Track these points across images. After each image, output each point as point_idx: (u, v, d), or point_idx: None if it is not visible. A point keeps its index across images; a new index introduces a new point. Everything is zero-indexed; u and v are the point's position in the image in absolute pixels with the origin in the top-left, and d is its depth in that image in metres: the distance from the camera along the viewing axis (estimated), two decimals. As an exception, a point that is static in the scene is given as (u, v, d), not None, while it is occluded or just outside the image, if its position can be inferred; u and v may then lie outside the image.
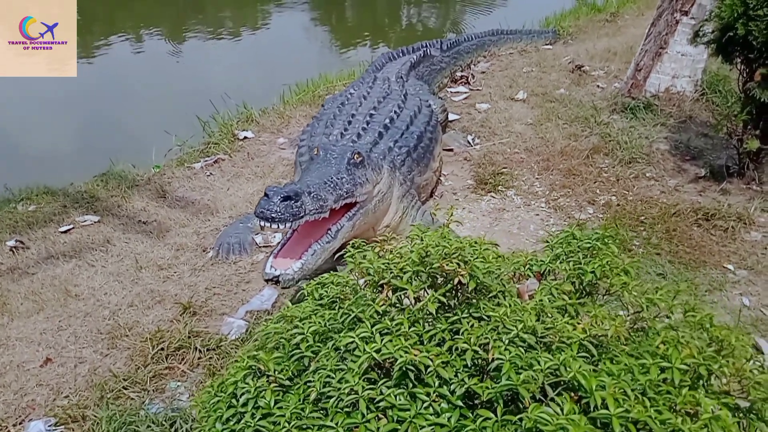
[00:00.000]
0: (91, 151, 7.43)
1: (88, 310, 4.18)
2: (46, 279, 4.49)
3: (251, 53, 11.97)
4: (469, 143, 6.42)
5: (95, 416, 3.29)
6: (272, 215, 3.40)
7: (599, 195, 5.37)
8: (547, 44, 10.02)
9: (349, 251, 2.41)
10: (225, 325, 3.99)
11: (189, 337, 3.79)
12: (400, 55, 7.52)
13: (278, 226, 3.45)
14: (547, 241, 2.55)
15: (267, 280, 3.59)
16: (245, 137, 6.95)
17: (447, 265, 2.05)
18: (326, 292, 2.29)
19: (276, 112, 7.56)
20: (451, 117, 7.02)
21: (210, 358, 3.69)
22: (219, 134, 7.01)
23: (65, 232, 5.14)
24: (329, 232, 3.95)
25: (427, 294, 2.05)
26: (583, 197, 5.34)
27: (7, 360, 3.79)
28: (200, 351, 3.72)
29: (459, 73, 8.36)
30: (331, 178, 4.02)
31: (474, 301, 2.08)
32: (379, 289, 2.15)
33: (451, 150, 6.33)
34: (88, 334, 3.97)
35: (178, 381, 3.60)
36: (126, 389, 3.52)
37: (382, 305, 2.06)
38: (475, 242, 2.24)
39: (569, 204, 5.28)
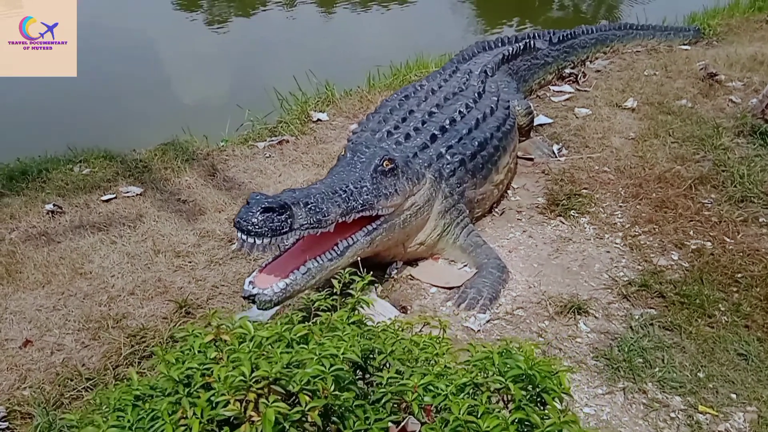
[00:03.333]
0: (175, 115, 7.33)
1: (90, 292, 3.97)
2: (65, 251, 4.34)
3: (392, 25, 11.80)
4: (554, 154, 5.62)
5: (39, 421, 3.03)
6: (248, 227, 2.94)
7: (691, 238, 4.44)
8: (684, 44, 8.84)
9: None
10: (212, 334, 3.61)
11: (167, 342, 3.45)
12: (499, 45, 6.75)
13: (254, 242, 2.98)
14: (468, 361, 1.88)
15: (244, 298, 3.16)
16: (318, 119, 6.55)
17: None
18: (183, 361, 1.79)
19: (358, 95, 7.10)
20: (542, 120, 6.23)
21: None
22: (294, 113, 6.66)
23: (106, 201, 5.00)
24: (336, 247, 3.45)
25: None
26: (671, 238, 4.44)
27: (-8, 334, 3.65)
28: (172, 362, 3.36)
29: (568, 70, 7.46)
30: (347, 186, 3.50)
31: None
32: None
33: (530, 159, 5.57)
34: (78, 320, 3.74)
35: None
36: (87, 391, 3.25)
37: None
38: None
39: (651, 244, 4.40)
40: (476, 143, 4.52)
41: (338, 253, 3.44)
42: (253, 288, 3.11)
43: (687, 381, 3.30)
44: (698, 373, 3.35)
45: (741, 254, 4.25)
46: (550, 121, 6.25)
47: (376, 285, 4.00)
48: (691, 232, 4.50)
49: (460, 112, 4.73)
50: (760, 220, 4.60)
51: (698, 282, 3.98)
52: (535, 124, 6.13)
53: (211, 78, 9.02)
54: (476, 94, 5.07)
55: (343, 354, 1.73)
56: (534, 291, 3.98)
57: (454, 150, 4.37)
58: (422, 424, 1.70)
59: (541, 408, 1.73)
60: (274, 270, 3.23)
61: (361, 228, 3.63)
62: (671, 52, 8.30)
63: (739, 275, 4.05)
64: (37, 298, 3.94)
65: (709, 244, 4.37)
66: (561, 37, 7.43)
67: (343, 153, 3.91)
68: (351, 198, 3.45)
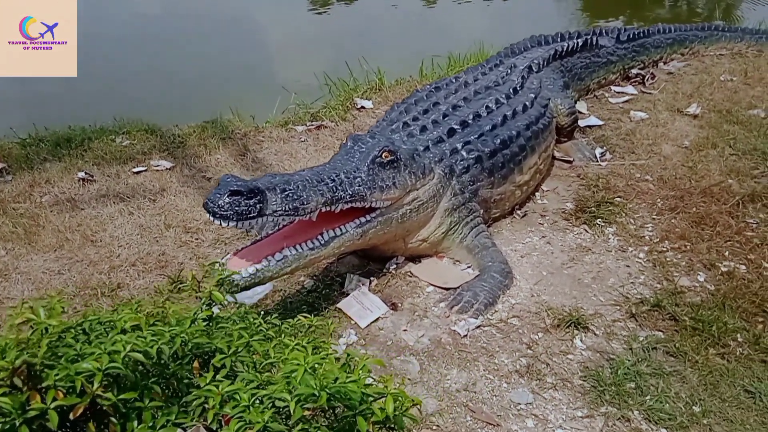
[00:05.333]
0: (239, 94, 7.42)
1: (95, 259, 4.09)
2: (84, 218, 4.50)
3: (491, 15, 11.64)
4: (595, 158, 5.29)
5: None
6: (214, 209, 2.91)
7: (725, 259, 4.07)
8: (778, 49, 8.09)
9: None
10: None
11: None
12: (557, 40, 6.43)
13: (220, 224, 2.96)
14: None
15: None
16: (362, 107, 6.49)
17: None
18: None
19: (409, 84, 6.97)
20: (591, 122, 5.90)
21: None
22: (340, 98, 6.63)
23: (137, 173, 5.15)
24: (320, 237, 3.38)
25: None
26: (702, 257, 4.08)
27: (-6, 291, 3.83)
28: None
29: (635, 71, 7.02)
30: (337, 175, 3.41)
31: None
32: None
33: (569, 161, 5.28)
34: (77, 285, 3.86)
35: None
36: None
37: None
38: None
39: (678, 262, 4.06)
40: (498, 141, 4.31)
41: (321, 242, 3.36)
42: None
43: (679, 414, 3.01)
44: (694, 407, 3.06)
45: (778, 282, 3.85)
46: (601, 123, 5.90)
47: (372, 279, 3.91)
48: (726, 253, 4.12)
49: (487, 107, 4.53)
50: (809, 246, 4.16)
51: (719, 307, 3.63)
52: (583, 125, 5.83)
53: (289, 60, 9.07)
54: (511, 90, 4.85)
55: (130, 351, 1.64)
56: (535, 300, 3.76)
57: (471, 146, 4.19)
58: None
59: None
60: (249, 254, 3.19)
61: (354, 219, 3.54)
62: (758, 57, 7.64)
63: (769, 305, 3.67)
64: (47, 261, 4.10)
65: (743, 267, 3.99)
66: (631, 36, 6.98)
67: (345, 141, 3.82)
68: (339, 188, 3.36)
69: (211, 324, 2.01)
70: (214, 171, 5.18)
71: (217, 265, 3.09)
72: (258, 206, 2.97)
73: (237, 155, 5.46)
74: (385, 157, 3.61)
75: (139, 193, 4.79)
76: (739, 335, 3.46)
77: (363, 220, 3.56)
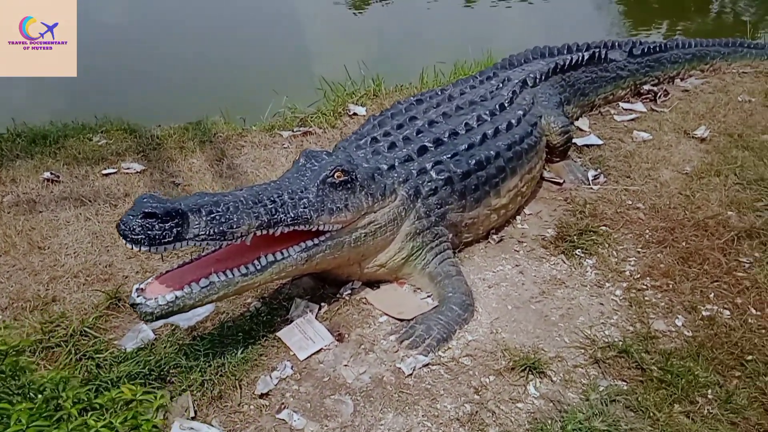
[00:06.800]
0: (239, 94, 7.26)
1: (38, 268, 3.93)
2: (39, 222, 4.36)
3: (529, 17, 11.51)
4: (587, 180, 4.98)
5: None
6: (126, 231, 2.71)
7: (708, 302, 3.74)
8: (807, 68, 7.61)
9: None
10: (132, 332, 3.45)
11: (72, 336, 3.32)
12: (563, 52, 6.11)
13: (132, 248, 2.75)
14: None
15: (131, 306, 2.94)
16: (355, 113, 6.26)
17: None
18: None
19: (408, 91, 6.72)
20: (590, 141, 5.58)
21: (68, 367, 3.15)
22: (332, 104, 6.42)
23: (106, 175, 5.00)
24: (256, 261, 3.16)
25: None
26: (683, 298, 3.76)
27: None
28: (74, 354, 3.23)
29: (647, 87, 6.65)
30: (280, 196, 3.18)
31: None
32: None
33: (559, 183, 4.97)
34: (11, 296, 3.68)
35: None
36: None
37: None
38: None
39: (657, 302, 3.75)
40: (473, 161, 4.04)
41: (257, 268, 3.14)
42: (137, 296, 2.88)
43: (628, 481, 2.73)
44: (646, 474, 2.77)
45: (763, 331, 3.51)
46: (600, 142, 5.57)
47: (322, 304, 3.68)
48: (711, 295, 3.78)
49: (467, 124, 4.26)
50: (805, 292, 3.80)
51: (693, 357, 3.32)
52: (581, 143, 5.52)
53: (293, 62, 8.86)
54: (497, 106, 4.56)
55: None
56: (494, 338, 3.49)
57: (442, 166, 3.93)
58: None
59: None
60: (171, 279, 2.97)
61: (299, 243, 3.31)
62: (787, 76, 7.21)
63: (750, 357, 3.33)
64: (-11, 267, 3.96)
65: (727, 312, 3.66)
66: (645, 50, 6.61)
67: (298, 158, 3.59)
68: (280, 209, 3.13)
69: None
70: (186, 176, 5.01)
71: (134, 290, 2.93)
72: (175, 230, 2.74)
73: (213, 160, 5.28)
74: (338, 177, 3.37)
75: (101, 197, 4.64)
76: (709, 391, 3.14)
77: (309, 243, 3.33)
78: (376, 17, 11.56)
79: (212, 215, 2.88)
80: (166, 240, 2.73)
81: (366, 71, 7.00)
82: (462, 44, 8.40)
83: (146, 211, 2.68)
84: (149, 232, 2.69)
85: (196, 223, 2.83)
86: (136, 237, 2.68)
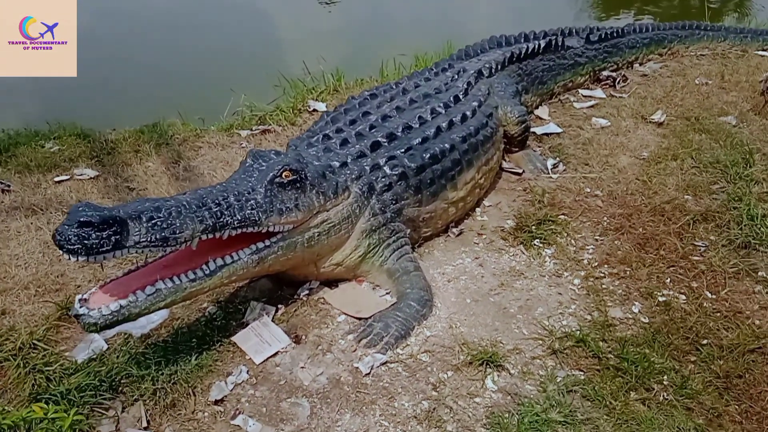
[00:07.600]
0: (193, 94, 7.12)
1: (-14, 282, 3.83)
2: (-11, 233, 4.25)
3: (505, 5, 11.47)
4: (546, 169, 4.98)
5: None
6: (61, 241, 2.63)
7: (664, 287, 3.76)
8: (764, 50, 7.69)
9: None
10: (84, 342, 3.38)
11: (21, 349, 3.23)
12: (520, 40, 6.09)
13: (69, 259, 2.67)
14: None
15: (74, 317, 2.86)
16: (315, 110, 6.19)
17: None
18: None
19: (368, 85, 6.66)
20: (549, 129, 5.59)
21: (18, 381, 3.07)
22: (291, 101, 6.33)
23: (58, 182, 4.87)
24: (204, 266, 3.10)
25: None
26: (640, 284, 3.78)
27: None
28: (23, 368, 3.14)
29: (606, 73, 6.68)
30: (225, 198, 3.12)
31: None
32: None
33: (519, 174, 4.97)
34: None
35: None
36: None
37: None
38: None
39: (614, 289, 3.76)
40: (428, 155, 4.01)
41: (206, 273, 3.08)
42: (80, 307, 2.81)
43: (584, 471, 2.73)
44: (602, 463, 2.77)
45: (717, 315, 3.54)
46: (560, 130, 5.58)
47: (279, 306, 3.64)
48: (668, 280, 3.81)
49: (420, 117, 4.23)
50: (759, 274, 3.84)
51: (649, 344, 3.34)
52: (540, 132, 5.52)
53: (251, 59, 8.69)
54: (452, 98, 4.54)
55: None
56: (452, 332, 3.47)
57: (396, 161, 3.89)
58: None
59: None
60: (116, 288, 2.90)
61: (250, 245, 3.26)
62: (741, 59, 7.28)
63: (705, 342, 3.36)
64: (-67, 282, 3.84)
65: (682, 297, 3.68)
66: (602, 36, 6.64)
67: (244, 158, 3.53)
68: (226, 212, 3.07)
69: None
70: (141, 180, 4.91)
71: (77, 301, 2.86)
72: (113, 238, 2.67)
73: (169, 163, 5.18)
74: (286, 176, 3.32)
75: (53, 205, 4.52)
76: (665, 377, 3.16)
77: (260, 245, 3.28)
78: (344, 9, 11.39)
79: (153, 221, 2.81)
80: (104, 249, 2.66)
81: (325, 66, 6.92)
82: (426, 35, 8.38)
83: (81, 220, 2.61)
84: (86, 242, 2.61)
85: (137, 230, 2.76)
86: (72, 247, 2.61)
